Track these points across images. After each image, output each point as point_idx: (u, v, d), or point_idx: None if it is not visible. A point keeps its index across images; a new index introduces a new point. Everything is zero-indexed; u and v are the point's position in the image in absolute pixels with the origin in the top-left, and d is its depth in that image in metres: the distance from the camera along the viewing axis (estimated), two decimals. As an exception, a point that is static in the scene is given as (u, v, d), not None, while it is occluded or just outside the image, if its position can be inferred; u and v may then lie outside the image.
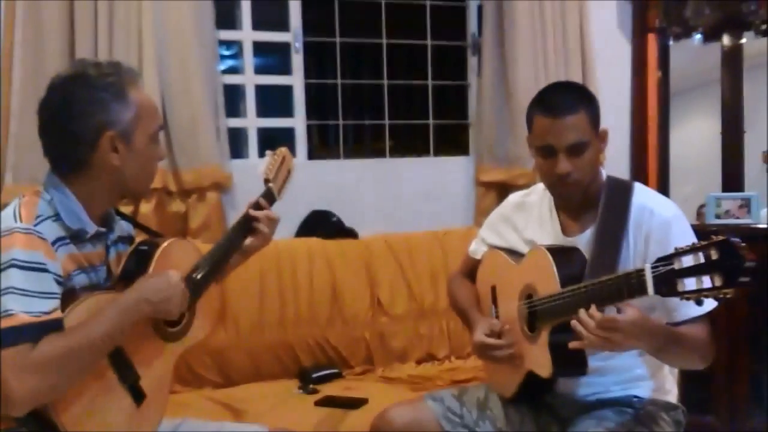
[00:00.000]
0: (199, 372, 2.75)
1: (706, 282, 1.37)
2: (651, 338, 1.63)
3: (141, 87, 1.66)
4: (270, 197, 1.97)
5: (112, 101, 1.58)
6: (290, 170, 2.10)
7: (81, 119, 1.56)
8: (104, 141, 1.58)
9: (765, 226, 3.20)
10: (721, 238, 1.36)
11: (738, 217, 3.21)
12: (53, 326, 1.45)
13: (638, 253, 1.79)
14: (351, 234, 3.20)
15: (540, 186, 2.06)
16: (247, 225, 1.91)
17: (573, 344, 1.63)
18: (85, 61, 1.67)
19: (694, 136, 4.09)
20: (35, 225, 1.50)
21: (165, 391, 1.75)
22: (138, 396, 1.64)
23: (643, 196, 1.87)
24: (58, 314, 1.47)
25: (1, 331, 1.40)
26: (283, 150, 2.08)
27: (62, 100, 1.58)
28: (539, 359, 1.81)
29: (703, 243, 1.39)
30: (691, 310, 1.72)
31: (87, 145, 1.58)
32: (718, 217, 3.22)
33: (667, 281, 1.43)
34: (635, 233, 1.82)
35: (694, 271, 1.39)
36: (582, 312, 1.60)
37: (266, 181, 1.98)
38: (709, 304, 1.69)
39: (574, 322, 1.61)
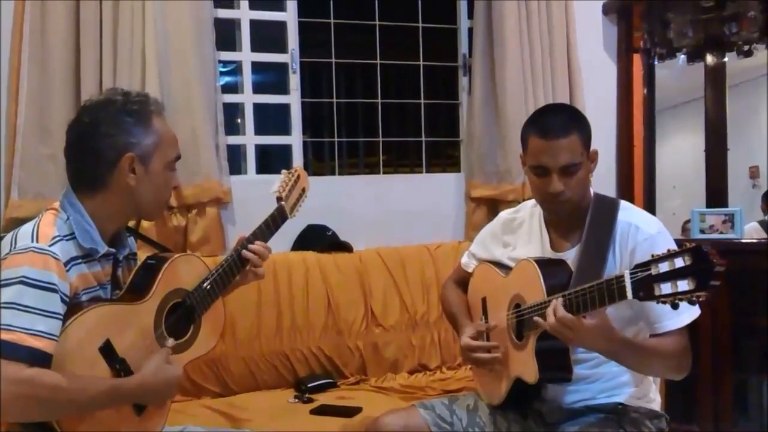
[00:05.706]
0: (198, 382, 2.77)
1: (681, 286, 1.42)
2: (607, 344, 1.71)
3: (164, 118, 1.74)
4: (282, 215, 2.03)
5: (135, 126, 1.66)
6: (304, 189, 2.15)
7: (105, 139, 1.64)
8: (124, 161, 1.65)
9: (748, 240, 3.28)
10: (693, 245, 1.42)
11: (722, 232, 3.24)
12: (44, 358, 1.47)
13: (623, 267, 1.82)
14: (345, 247, 3.22)
15: (529, 203, 2.12)
16: (241, 263, 1.94)
17: (537, 319, 1.72)
18: (116, 89, 1.75)
19: (680, 153, 4.09)
20: (51, 245, 1.55)
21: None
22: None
23: (628, 213, 1.93)
24: (52, 347, 1.48)
25: (1, 342, 1.43)
26: (297, 169, 2.14)
27: (90, 121, 1.66)
28: (526, 366, 1.85)
29: (678, 250, 1.45)
30: (670, 323, 1.78)
31: (108, 163, 1.65)
32: (702, 231, 3.26)
33: (645, 286, 1.48)
34: (621, 248, 1.87)
35: (670, 276, 1.44)
36: (549, 309, 1.68)
37: (278, 199, 2.03)
38: (688, 316, 1.78)
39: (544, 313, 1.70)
